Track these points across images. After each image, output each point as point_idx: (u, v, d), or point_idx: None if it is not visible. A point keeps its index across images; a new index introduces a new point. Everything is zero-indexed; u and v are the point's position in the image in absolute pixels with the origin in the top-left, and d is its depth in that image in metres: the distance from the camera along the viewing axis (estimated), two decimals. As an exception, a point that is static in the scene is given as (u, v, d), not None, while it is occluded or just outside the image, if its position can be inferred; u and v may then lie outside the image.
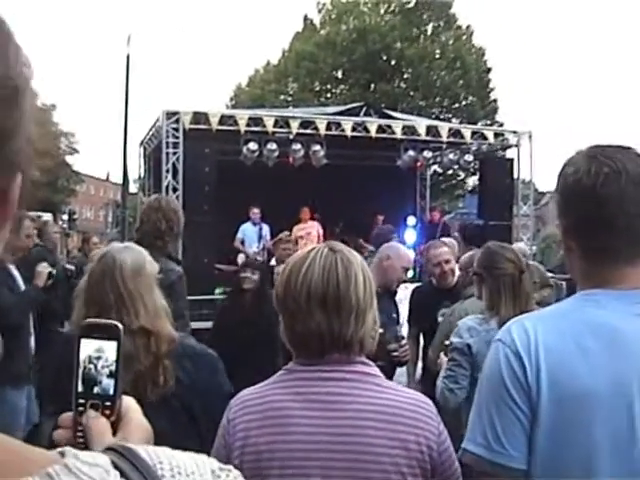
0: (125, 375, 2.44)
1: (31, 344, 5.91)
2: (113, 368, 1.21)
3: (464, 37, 37.77)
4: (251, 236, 14.48)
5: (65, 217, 41.56)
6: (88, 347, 1.21)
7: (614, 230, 1.69)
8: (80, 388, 1.19)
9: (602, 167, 1.69)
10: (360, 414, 1.95)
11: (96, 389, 1.20)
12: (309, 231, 14.79)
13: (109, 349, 1.21)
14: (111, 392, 1.21)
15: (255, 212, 14.51)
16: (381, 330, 3.18)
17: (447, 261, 5.84)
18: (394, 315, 5.40)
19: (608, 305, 1.67)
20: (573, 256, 1.80)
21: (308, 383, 2.00)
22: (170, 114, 15.02)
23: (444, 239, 7.80)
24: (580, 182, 1.73)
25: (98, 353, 1.20)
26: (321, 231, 14.97)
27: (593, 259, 1.74)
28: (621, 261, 1.70)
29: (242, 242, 14.37)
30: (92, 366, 1.19)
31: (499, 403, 1.66)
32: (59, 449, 0.74)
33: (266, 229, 14.60)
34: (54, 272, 6.30)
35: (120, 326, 1.23)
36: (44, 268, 6.15)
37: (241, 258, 13.87)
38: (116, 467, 0.73)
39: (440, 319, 5.40)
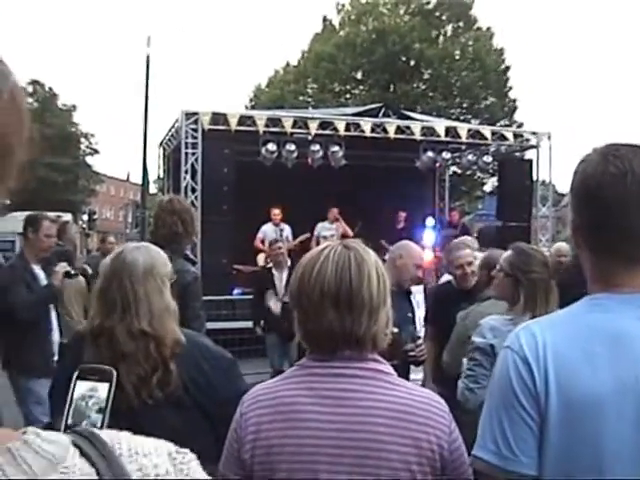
0: (125, 378, 2.48)
1: (54, 338, 6.27)
2: (103, 405, 1.28)
3: (484, 38, 37.66)
4: (271, 236, 14.51)
5: (85, 217, 41.84)
6: (82, 387, 1.28)
7: (618, 231, 1.69)
8: (70, 421, 1.25)
9: (609, 167, 1.69)
10: (371, 411, 1.96)
11: (85, 422, 1.26)
12: (332, 233, 14.81)
13: (102, 389, 1.28)
14: (98, 425, 1.27)
15: (276, 213, 14.51)
16: (396, 329, 3.20)
17: (469, 263, 5.84)
18: (409, 314, 5.39)
19: (614, 309, 1.68)
20: (582, 254, 1.81)
21: (320, 379, 2.01)
22: (189, 115, 15.07)
23: (466, 239, 7.77)
24: (587, 182, 1.73)
25: (91, 392, 1.28)
26: (350, 232, 14.95)
27: (599, 259, 1.75)
28: (626, 262, 1.70)
29: (262, 242, 14.42)
30: (84, 403, 1.26)
31: (509, 409, 1.67)
32: (23, 429, 0.77)
33: (287, 230, 14.61)
34: (72, 272, 6.53)
35: (113, 371, 1.30)
36: (61, 268, 6.38)
37: (261, 258, 13.91)
38: (76, 445, 0.76)
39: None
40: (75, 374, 1.28)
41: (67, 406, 1.27)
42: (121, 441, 0.81)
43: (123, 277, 2.64)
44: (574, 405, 1.61)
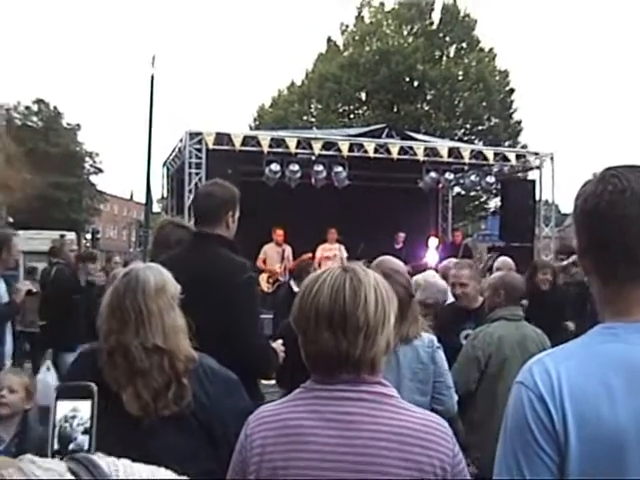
0: (143, 390, 2.51)
1: (6, 349, 6.45)
2: (88, 425, 1.28)
3: (487, 59, 37.77)
4: (273, 256, 14.53)
5: (89, 236, 41.86)
6: (64, 408, 1.28)
7: (621, 251, 1.67)
8: (56, 446, 1.26)
9: (607, 186, 1.68)
10: (374, 434, 1.96)
11: (71, 445, 1.27)
12: (335, 253, 14.82)
13: (84, 408, 1.29)
14: (86, 447, 1.28)
15: (279, 234, 14.56)
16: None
17: (462, 284, 5.81)
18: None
19: (628, 339, 1.64)
20: (591, 278, 1.79)
21: (325, 402, 2.02)
22: (193, 134, 15.14)
23: (469, 261, 7.76)
24: (586, 203, 1.73)
25: (73, 412, 1.28)
26: (345, 254, 14.98)
27: (607, 282, 1.73)
28: (635, 286, 1.68)
29: (264, 262, 14.42)
30: (68, 425, 1.27)
31: (526, 450, 1.61)
32: (19, 457, 0.78)
33: (288, 250, 14.65)
34: (34, 290, 6.87)
35: (94, 386, 1.30)
36: (24, 285, 6.71)
37: (263, 279, 13.92)
38: (72, 472, 0.77)
39: (463, 341, 5.38)
40: (54, 395, 1.29)
41: (51, 430, 1.28)
42: (118, 468, 0.81)
43: (137, 294, 2.67)
44: (594, 440, 1.56)
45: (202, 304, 3.01)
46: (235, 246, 4.15)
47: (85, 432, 1.29)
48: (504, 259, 8.36)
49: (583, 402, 1.59)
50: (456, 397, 4.27)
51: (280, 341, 4.11)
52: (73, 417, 1.29)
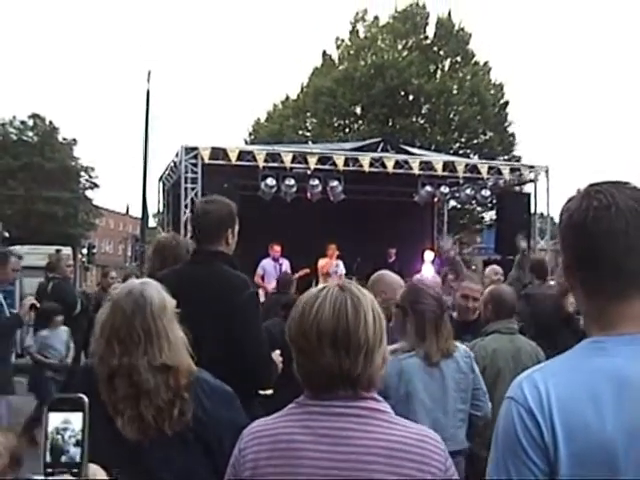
0: (146, 410, 2.52)
1: (10, 361, 7.35)
2: (80, 437, 1.30)
3: (481, 73, 37.89)
4: (271, 271, 14.51)
5: (84, 251, 41.84)
6: (55, 419, 1.30)
7: (607, 265, 1.69)
8: (48, 459, 1.28)
9: (593, 202, 1.70)
10: (367, 449, 1.97)
11: (63, 458, 1.29)
12: (335, 269, 14.86)
13: (75, 420, 1.30)
14: (77, 459, 1.29)
15: (276, 249, 14.57)
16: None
17: (475, 299, 5.88)
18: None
19: (615, 352, 1.66)
20: (576, 294, 1.81)
21: (318, 417, 2.03)
22: (189, 149, 15.17)
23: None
24: (572, 219, 1.75)
25: (65, 424, 1.30)
26: (343, 271, 15.02)
27: (592, 297, 1.74)
28: (620, 299, 1.69)
29: (262, 278, 14.41)
30: (60, 437, 1.29)
31: (517, 464, 1.64)
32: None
33: (286, 264, 14.64)
34: (37, 305, 7.25)
35: (85, 398, 1.32)
36: (28, 300, 7.13)
37: (261, 294, 13.90)
38: None
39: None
40: (45, 407, 1.31)
41: (42, 443, 1.30)
42: None
43: (146, 313, 2.67)
44: (583, 452, 1.59)
45: (205, 319, 3.05)
46: (235, 262, 4.25)
47: (77, 444, 1.30)
48: (492, 267, 8.42)
49: (571, 415, 1.61)
50: (490, 404, 4.39)
51: (278, 352, 4.18)
52: (65, 429, 1.30)
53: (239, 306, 3.95)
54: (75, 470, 1.27)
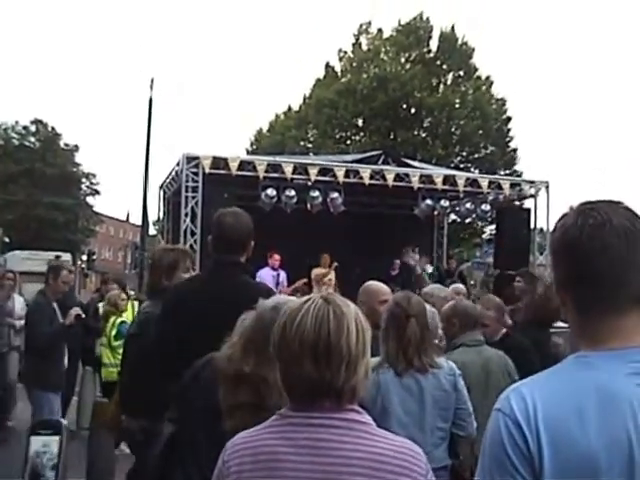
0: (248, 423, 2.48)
1: (64, 362, 8.09)
2: (56, 461, 1.31)
3: (484, 87, 37.99)
4: (268, 281, 14.48)
5: (84, 257, 41.88)
6: (36, 443, 1.32)
7: (599, 282, 1.71)
8: None
9: (587, 219, 1.72)
10: (348, 461, 1.98)
11: None
12: (330, 278, 14.84)
13: (54, 444, 1.32)
14: None
15: (276, 258, 14.54)
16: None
17: (484, 325, 5.91)
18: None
19: (602, 366, 1.68)
20: (567, 310, 1.82)
21: (299, 429, 2.04)
22: (190, 158, 15.19)
23: (458, 287, 7.85)
24: (566, 235, 1.76)
25: (44, 448, 1.32)
26: (333, 280, 15.01)
27: (583, 313, 1.76)
28: (610, 315, 1.71)
29: (260, 287, 14.34)
30: (39, 460, 1.31)
31: (503, 474, 1.66)
32: None
33: (283, 275, 14.63)
34: (82, 315, 7.96)
35: (63, 422, 1.34)
36: (75, 311, 7.79)
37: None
38: None
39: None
40: (27, 431, 1.33)
41: (23, 464, 1.32)
42: None
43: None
44: (568, 465, 1.61)
45: (231, 329, 3.09)
46: (252, 272, 4.36)
47: (53, 468, 1.32)
48: (455, 286, 8.51)
49: (557, 427, 1.64)
50: (475, 424, 4.32)
51: None
52: (44, 452, 1.32)
53: None
54: None
